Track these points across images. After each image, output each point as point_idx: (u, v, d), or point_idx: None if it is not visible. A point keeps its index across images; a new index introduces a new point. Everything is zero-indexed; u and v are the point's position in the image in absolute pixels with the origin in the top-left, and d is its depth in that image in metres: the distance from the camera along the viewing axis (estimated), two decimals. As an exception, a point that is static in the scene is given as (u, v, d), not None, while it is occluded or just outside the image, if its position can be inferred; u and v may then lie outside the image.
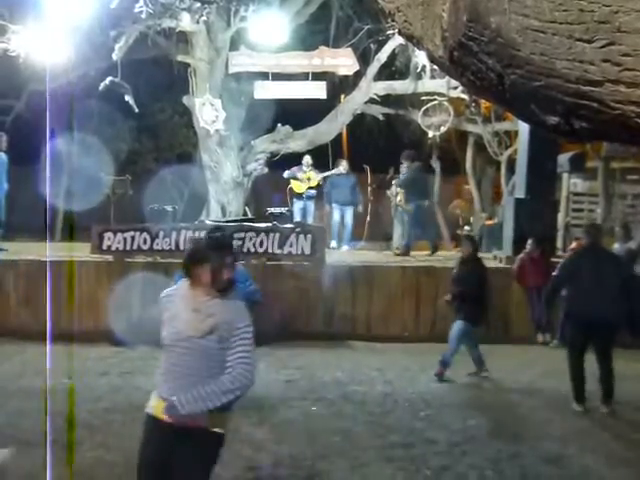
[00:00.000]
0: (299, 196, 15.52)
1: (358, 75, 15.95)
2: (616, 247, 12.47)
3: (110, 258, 11.90)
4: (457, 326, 9.38)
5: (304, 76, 15.25)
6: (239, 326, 4.05)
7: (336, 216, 15.42)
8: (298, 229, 12.03)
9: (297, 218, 14.94)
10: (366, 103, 16.71)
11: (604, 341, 8.38)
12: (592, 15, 2.07)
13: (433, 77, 15.35)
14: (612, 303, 8.06)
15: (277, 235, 11.77)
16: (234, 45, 15.17)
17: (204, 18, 13.93)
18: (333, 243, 15.14)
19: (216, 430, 4.14)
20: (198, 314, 4.05)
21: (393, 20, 2.96)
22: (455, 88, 14.75)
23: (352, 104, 16.47)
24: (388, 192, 16.22)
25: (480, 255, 10.40)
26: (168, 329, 4.14)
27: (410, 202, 14.32)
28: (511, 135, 18.42)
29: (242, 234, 11.72)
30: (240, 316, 4.12)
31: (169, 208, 14.15)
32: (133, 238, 11.88)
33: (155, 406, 4.16)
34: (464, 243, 10.23)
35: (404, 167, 14.59)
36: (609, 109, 2.13)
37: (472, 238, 11.06)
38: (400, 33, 3.03)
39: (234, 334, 4.03)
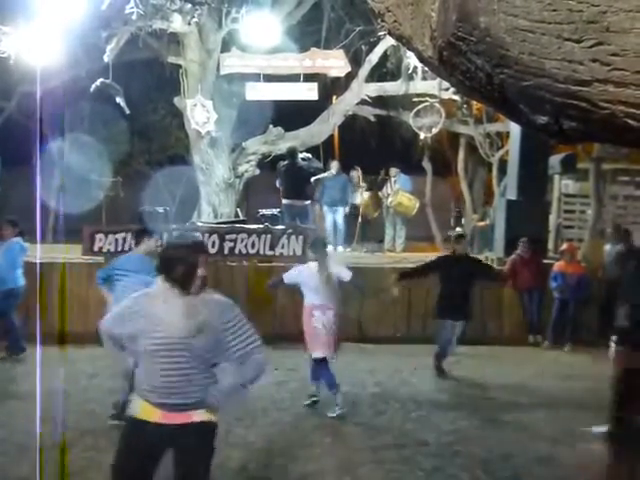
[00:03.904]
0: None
1: (350, 76, 15.95)
2: (607, 248, 12.51)
3: (101, 259, 11.86)
4: None
5: (296, 77, 15.24)
6: (229, 317, 4.06)
7: (329, 218, 15.38)
8: (290, 230, 12.03)
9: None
10: (358, 104, 16.72)
11: None
12: (581, 15, 2.07)
13: (424, 78, 15.36)
14: None
15: (269, 236, 11.76)
16: (225, 46, 15.15)
17: (195, 19, 13.92)
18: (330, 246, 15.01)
19: (212, 420, 4.14)
20: (184, 314, 3.99)
21: (383, 20, 2.96)
22: (446, 89, 14.78)
23: (344, 105, 16.48)
24: (379, 193, 16.24)
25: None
26: (151, 333, 4.03)
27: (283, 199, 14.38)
28: (503, 136, 18.43)
29: (234, 235, 11.71)
30: (226, 308, 4.12)
31: (161, 209, 14.11)
32: (124, 239, 11.85)
33: (146, 410, 4.09)
34: None
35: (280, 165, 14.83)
36: (598, 109, 2.14)
37: None
38: (390, 33, 3.03)
39: (227, 327, 4.03)
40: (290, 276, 8.18)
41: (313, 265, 8.00)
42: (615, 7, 2.01)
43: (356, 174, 16.40)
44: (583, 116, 2.20)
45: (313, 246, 8.42)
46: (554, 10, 2.12)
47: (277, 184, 15.00)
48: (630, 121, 2.09)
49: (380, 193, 16.21)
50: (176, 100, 15.82)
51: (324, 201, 15.50)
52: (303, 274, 8.05)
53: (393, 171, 16.08)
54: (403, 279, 9.87)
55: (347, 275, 8.03)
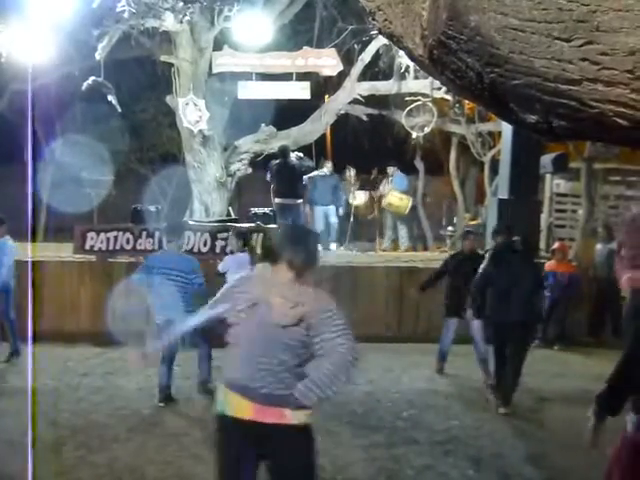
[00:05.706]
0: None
1: (342, 75, 15.94)
2: (598, 248, 12.54)
3: (93, 258, 11.85)
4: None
5: (288, 76, 15.23)
6: (327, 312, 3.87)
7: (318, 217, 15.38)
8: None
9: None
10: (350, 103, 16.70)
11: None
12: (571, 14, 2.07)
13: (417, 78, 15.36)
14: (526, 304, 8.12)
15: (261, 235, 11.75)
16: (218, 45, 15.13)
17: (188, 18, 13.88)
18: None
19: (305, 423, 3.94)
20: (286, 301, 3.82)
21: (374, 19, 2.96)
22: (439, 89, 14.77)
23: (336, 104, 16.47)
24: (373, 193, 16.27)
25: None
26: (247, 317, 3.88)
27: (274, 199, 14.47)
28: (494, 136, 18.44)
29: (226, 234, 11.70)
30: (327, 302, 3.92)
31: (152, 208, 14.09)
32: (116, 238, 11.84)
33: (235, 405, 3.90)
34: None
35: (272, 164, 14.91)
36: (587, 108, 2.14)
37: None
38: (381, 32, 3.03)
39: (324, 321, 3.84)
40: (223, 266, 9.17)
41: (241, 255, 9.08)
42: (605, 6, 2.01)
43: (349, 173, 16.41)
44: (573, 115, 2.20)
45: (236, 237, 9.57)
46: (544, 9, 2.12)
47: (268, 178, 15.01)
48: (619, 120, 2.10)
49: (373, 193, 16.23)
50: (168, 99, 15.78)
51: (315, 201, 15.50)
52: (229, 263, 9.12)
53: (390, 170, 16.08)
54: (424, 290, 9.88)
55: None
